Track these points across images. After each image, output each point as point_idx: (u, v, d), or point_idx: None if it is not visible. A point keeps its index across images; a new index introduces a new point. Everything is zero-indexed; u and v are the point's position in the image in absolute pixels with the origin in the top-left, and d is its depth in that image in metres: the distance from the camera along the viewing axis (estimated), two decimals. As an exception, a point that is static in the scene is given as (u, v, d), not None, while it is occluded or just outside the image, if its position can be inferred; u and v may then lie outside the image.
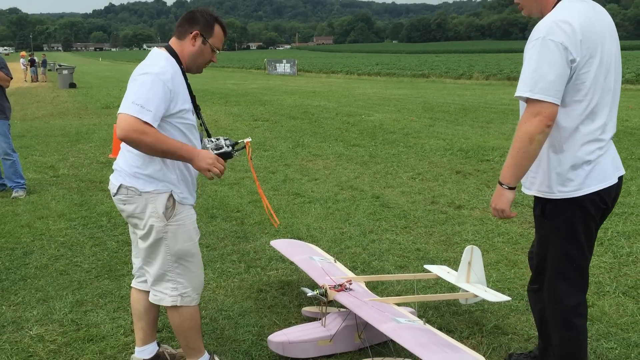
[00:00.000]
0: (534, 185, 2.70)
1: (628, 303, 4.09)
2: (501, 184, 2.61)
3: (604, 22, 2.60)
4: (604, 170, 2.64)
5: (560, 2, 2.58)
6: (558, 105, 2.46)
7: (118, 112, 2.68)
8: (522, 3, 2.74)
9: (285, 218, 6.25)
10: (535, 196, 2.73)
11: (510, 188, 2.59)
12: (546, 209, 2.68)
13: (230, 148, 3.06)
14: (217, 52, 3.02)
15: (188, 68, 2.98)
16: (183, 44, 2.94)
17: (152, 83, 2.71)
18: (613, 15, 2.80)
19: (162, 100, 2.72)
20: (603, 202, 2.68)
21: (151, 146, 2.66)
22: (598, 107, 2.57)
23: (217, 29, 2.98)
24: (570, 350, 2.78)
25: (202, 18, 2.94)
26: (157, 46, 3.02)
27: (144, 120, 2.63)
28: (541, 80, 2.42)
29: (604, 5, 2.71)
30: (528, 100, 2.48)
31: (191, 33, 2.92)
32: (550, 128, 2.47)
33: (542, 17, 2.63)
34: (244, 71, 52.61)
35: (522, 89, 2.48)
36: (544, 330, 2.86)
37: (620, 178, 2.75)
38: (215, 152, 3.00)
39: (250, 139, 3.24)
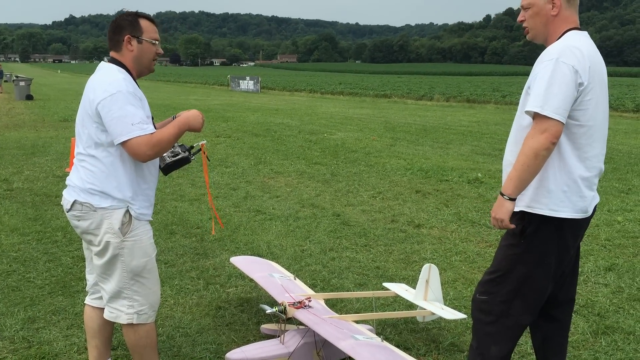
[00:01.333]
0: (520, 202, 2.73)
1: (579, 321, 4.20)
2: (502, 195, 2.66)
3: (603, 63, 2.76)
4: (587, 198, 2.73)
5: (567, 33, 2.70)
6: (564, 124, 2.56)
7: (120, 140, 2.72)
8: (530, 27, 2.81)
9: (246, 235, 6.23)
10: (519, 212, 2.74)
11: (511, 199, 2.65)
12: (527, 228, 2.73)
13: (187, 153, 3.13)
14: (157, 42, 3.00)
15: (139, 73, 2.98)
16: (123, 53, 2.92)
17: (128, 99, 2.74)
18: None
19: (141, 109, 2.82)
20: (580, 229, 2.79)
21: (167, 147, 2.86)
22: (597, 136, 2.70)
23: (144, 22, 2.95)
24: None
25: (125, 21, 2.92)
26: (103, 61, 2.99)
27: (150, 133, 2.76)
28: (552, 98, 2.52)
29: None
30: (536, 117, 2.57)
31: (124, 40, 2.90)
32: (555, 145, 2.57)
33: (544, 44, 2.75)
34: (207, 87, 52.37)
35: (533, 105, 2.57)
36: (485, 343, 2.90)
37: (595, 207, 2.84)
38: (173, 159, 3.11)
39: (205, 141, 3.31)
